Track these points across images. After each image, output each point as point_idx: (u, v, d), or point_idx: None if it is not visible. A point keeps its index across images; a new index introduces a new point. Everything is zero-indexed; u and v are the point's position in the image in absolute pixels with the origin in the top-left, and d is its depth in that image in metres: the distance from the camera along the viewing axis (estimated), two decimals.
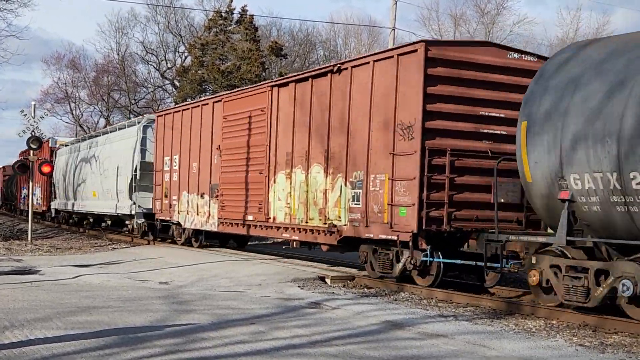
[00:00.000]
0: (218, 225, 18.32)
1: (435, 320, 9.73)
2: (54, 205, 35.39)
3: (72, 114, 64.36)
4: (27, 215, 38.72)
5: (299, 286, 13.09)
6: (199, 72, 42.91)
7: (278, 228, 15.82)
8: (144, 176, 23.42)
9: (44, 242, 24.19)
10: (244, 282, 13.80)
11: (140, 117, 24.91)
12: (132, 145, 24.31)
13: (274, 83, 16.29)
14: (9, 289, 11.96)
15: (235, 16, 43.30)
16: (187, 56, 52.46)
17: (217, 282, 13.82)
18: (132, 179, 23.85)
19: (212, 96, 19.61)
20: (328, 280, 13.63)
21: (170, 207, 21.11)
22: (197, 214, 19.37)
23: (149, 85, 58.92)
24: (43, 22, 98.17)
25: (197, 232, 20.49)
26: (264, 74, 40.76)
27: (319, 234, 14.32)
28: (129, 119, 44.38)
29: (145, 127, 23.89)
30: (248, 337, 8.13)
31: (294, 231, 15.14)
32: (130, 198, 23.93)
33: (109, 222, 28.92)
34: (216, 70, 41.13)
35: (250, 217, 16.76)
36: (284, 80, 15.94)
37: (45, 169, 25.82)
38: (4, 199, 57.56)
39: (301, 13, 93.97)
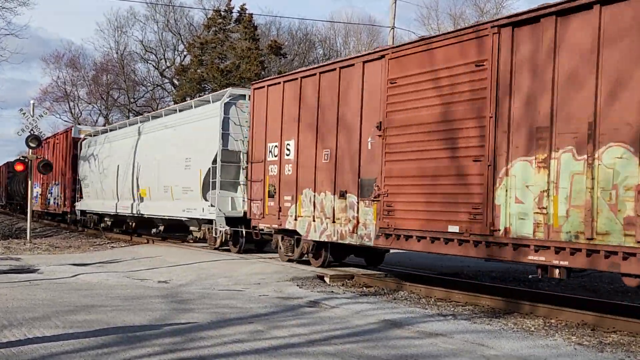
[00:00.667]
0: (377, 237, 12.79)
1: (434, 319, 9.73)
2: (80, 206, 29.92)
3: (72, 112, 64.55)
4: (41, 217, 37.48)
5: (297, 285, 13.09)
6: (198, 71, 42.98)
7: (518, 246, 10.24)
8: (225, 169, 18.40)
9: (43, 241, 24.18)
10: (242, 281, 13.79)
11: (220, 92, 19.65)
12: (209, 129, 18.85)
13: (506, 21, 10.68)
14: (8, 287, 11.95)
15: (235, 15, 43.38)
16: (186, 55, 52.55)
17: (216, 281, 13.82)
18: (207, 173, 18.77)
19: (361, 54, 13.87)
20: (327, 279, 13.62)
21: (279, 210, 15.68)
22: (333, 222, 13.92)
23: (148, 84, 59.09)
24: (43, 21, 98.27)
25: (318, 246, 15.13)
26: (263, 72, 40.80)
27: (626, 259, 9.02)
28: (128, 117, 44.21)
29: (227, 105, 18.38)
30: (247, 336, 8.13)
31: (557, 253, 9.73)
32: (205, 198, 18.95)
33: (161, 228, 23.55)
34: (215, 69, 41.19)
35: (453, 229, 11.26)
36: (530, 15, 10.35)
37: (45, 168, 25.70)
38: (8, 197, 51.95)
39: (301, 12, 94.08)
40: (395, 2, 29.95)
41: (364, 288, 12.91)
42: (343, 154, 13.91)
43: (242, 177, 18.33)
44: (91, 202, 28.72)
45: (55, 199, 33.63)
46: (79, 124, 61.60)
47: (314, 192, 14.61)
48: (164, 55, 57.93)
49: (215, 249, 19.28)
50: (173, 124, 21.60)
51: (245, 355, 7.18)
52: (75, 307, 9.98)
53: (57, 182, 33.16)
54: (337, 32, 60.74)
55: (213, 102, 19.34)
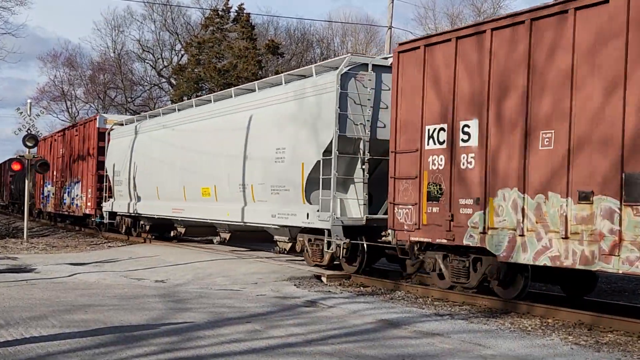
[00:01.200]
0: None
1: (431, 319, 9.74)
2: (109, 207, 25.37)
3: (69, 112, 64.53)
4: (52, 219, 35.86)
5: (295, 285, 13.09)
6: (196, 70, 42.93)
7: None
8: (342, 162, 13.88)
9: (40, 240, 24.15)
10: (240, 280, 13.79)
11: (333, 60, 15.02)
12: (316, 109, 14.36)
13: None
14: (4, 287, 11.94)
15: (232, 14, 43.37)
16: (184, 54, 52.53)
17: (213, 280, 13.82)
18: (314, 167, 14.22)
19: None
20: (324, 279, 13.62)
21: (450, 219, 11.21)
22: (565, 237, 9.52)
23: (146, 84, 59.05)
24: (41, 20, 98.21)
25: (514, 272, 10.90)
26: (260, 72, 40.81)
27: None
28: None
29: (344, 77, 13.77)
30: (244, 336, 8.13)
31: None
32: (308, 200, 14.50)
33: (226, 236, 18.62)
34: (213, 69, 41.17)
35: None
36: None
37: (42, 167, 25.62)
38: (11, 197, 47.28)
39: (299, 12, 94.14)
40: (393, 2, 29.95)
41: (361, 288, 12.91)
42: (585, 135, 9.41)
43: (358, 173, 14.06)
44: (125, 202, 24.01)
45: (73, 199, 29.19)
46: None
47: (523, 193, 10.12)
48: (161, 55, 57.91)
49: (318, 265, 14.70)
50: (253, 104, 16.82)
51: (243, 355, 7.18)
52: (72, 306, 9.97)
53: (76, 180, 28.93)
54: (335, 32, 60.81)
55: (317, 74, 14.77)
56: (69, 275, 14.12)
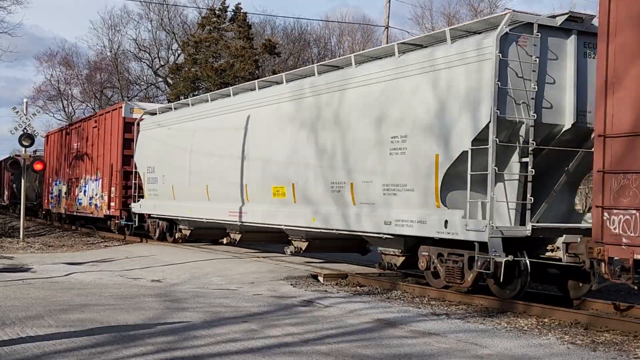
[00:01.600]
0: None
1: (427, 318, 9.74)
2: (141, 208, 22.11)
3: (65, 111, 64.41)
4: (61, 221, 35.13)
5: (291, 284, 13.09)
6: (192, 69, 42.87)
7: None
8: (502, 153, 10.71)
9: (36, 240, 24.11)
10: (236, 280, 13.79)
11: (485, 18, 11.27)
12: (459, 83, 10.99)
13: None
14: (1, 286, 11.91)
15: (229, 14, 43.34)
16: (180, 54, 52.46)
17: (210, 280, 13.81)
18: (456, 160, 10.88)
19: None
20: (321, 279, 13.62)
21: None
22: None
23: (142, 83, 58.94)
24: (38, 19, 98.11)
25: None
26: (257, 72, 40.77)
27: None
28: None
29: (504, 41, 10.45)
30: (240, 336, 8.12)
31: None
32: (444, 202, 11.20)
33: (301, 247, 15.29)
34: (209, 68, 41.10)
35: None
36: None
37: (37, 166, 25.47)
38: (13, 198, 44.32)
39: (295, 11, 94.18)
40: (390, 2, 29.95)
41: (358, 287, 12.91)
42: None
43: (512, 167, 10.95)
44: (160, 203, 20.92)
45: (91, 198, 26.13)
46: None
47: None
48: (158, 54, 57.85)
49: (452, 286, 11.55)
50: (352, 82, 13.22)
51: (239, 355, 7.18)
52: (68, 306, 9.95)
53: (95, 178, 25.86)
54: (332, 32, 60.83)
55: (452, 39, 11.35)
56: (65, 275, 14.10)
